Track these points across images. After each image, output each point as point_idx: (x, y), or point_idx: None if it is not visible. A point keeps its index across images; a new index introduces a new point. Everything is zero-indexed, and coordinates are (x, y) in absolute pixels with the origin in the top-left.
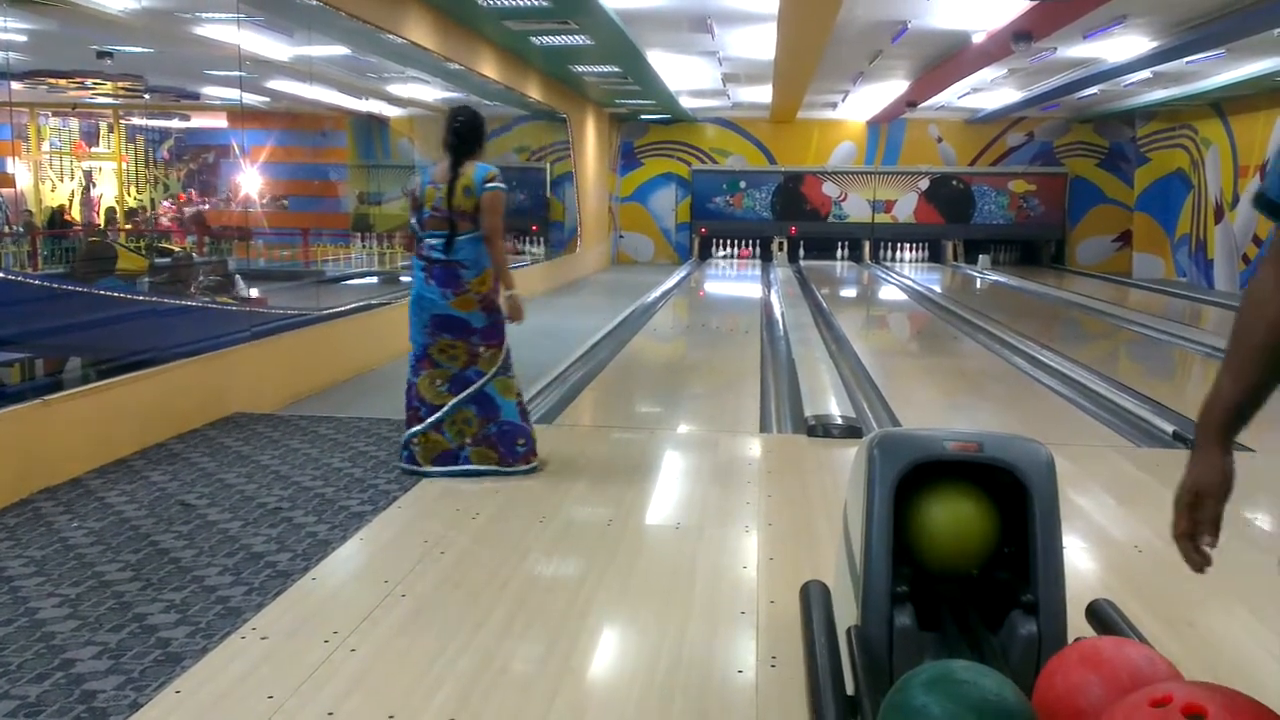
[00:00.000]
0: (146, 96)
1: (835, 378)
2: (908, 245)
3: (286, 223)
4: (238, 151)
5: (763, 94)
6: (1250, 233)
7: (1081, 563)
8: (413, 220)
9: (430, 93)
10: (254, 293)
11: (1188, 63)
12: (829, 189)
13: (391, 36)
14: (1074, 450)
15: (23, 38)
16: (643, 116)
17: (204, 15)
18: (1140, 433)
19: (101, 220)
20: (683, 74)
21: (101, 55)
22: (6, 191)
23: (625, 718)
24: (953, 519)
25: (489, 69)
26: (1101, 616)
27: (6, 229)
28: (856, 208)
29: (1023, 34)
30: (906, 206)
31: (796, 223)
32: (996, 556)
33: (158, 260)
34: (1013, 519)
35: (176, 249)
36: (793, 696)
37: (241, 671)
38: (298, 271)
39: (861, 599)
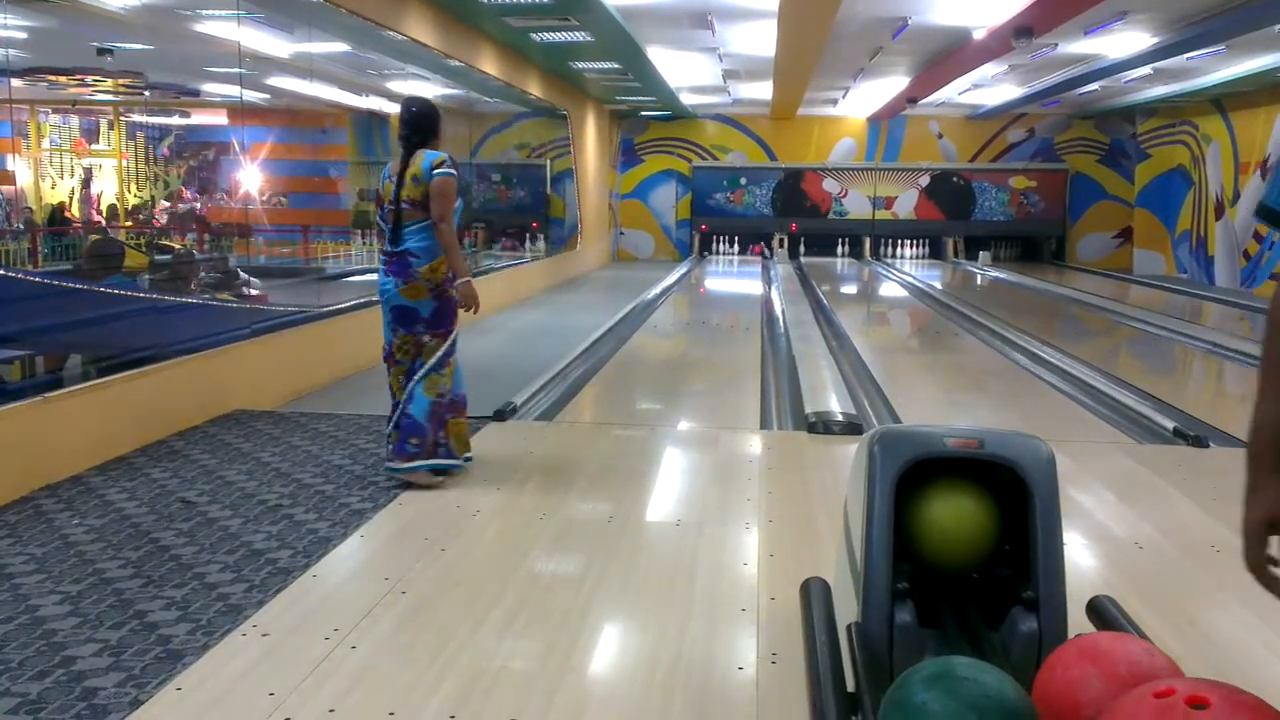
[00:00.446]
0: (146, 93)
1: (836, 374)
2: (908, 242)
3: (286, 219)
4: (238, 148)
5: (763, 90)
6: (1251, 229)
7: (1082, 559)
8: (377, 216)
9: (431, 89)
10: (253, 292)
11: (1188, 59)
12: (829, 185)
13: (392, 33)
14: (1074, 447)
15: (23, 35)
16: (643, 113)
17: (204, 12)
18: (1141, 429)
19: (104, 217)
20: (683, 70)
21: (102, 52)
22: (7, 189)
23: (626, 715)
24: (953, 516)
25: (489, 65)
26: (1102, 613)
27: (7, 226)
28: (857, 204)
29: (1023, 30)
30: (907, 203)
31: (797, 219)
32: (997, 553)
33: (158, 258)
34: (1013, 516)
35: (177, 246)
36: (793, 693)
37: (242, 668)
38: (298, 268)
39: (862, 595)
